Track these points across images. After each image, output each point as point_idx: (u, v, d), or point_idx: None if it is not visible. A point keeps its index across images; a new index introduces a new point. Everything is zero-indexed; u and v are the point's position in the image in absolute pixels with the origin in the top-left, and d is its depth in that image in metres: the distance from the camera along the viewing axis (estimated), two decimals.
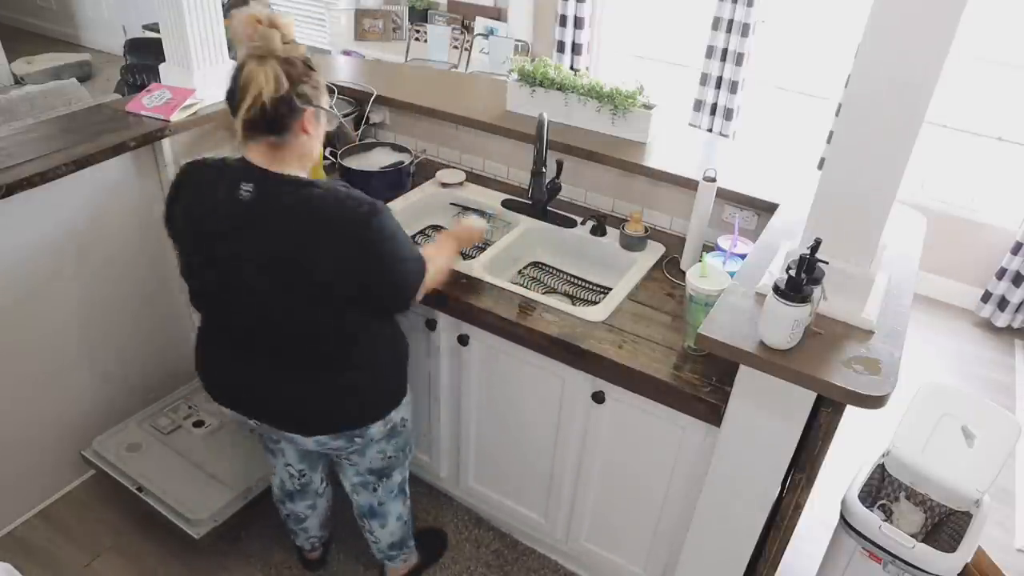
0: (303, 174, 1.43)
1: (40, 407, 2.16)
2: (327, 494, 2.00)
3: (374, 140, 2.47)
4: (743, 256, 1.67)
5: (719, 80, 3.89)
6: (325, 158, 2.28)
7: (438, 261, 1.66)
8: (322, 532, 2.07)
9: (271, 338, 1.47)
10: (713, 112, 3.99)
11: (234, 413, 1.63)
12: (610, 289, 1.96)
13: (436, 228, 2.29)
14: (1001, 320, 3.45)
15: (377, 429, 1.64)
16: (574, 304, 2.00)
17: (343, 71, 2.71)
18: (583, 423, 1.80)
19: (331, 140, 2.39)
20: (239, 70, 1.35)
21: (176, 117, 2.15)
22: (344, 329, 1.48)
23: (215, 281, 1.46)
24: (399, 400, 1.67)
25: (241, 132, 1.36)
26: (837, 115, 3.42)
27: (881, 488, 1.95)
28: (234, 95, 1.36)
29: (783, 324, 1.29)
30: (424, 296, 1.63)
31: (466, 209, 2.28)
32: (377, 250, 1.40)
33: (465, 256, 2.17)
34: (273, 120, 1.35)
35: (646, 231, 2.00)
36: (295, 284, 1.38)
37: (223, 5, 2.23)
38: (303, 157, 1.44)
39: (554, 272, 2.13)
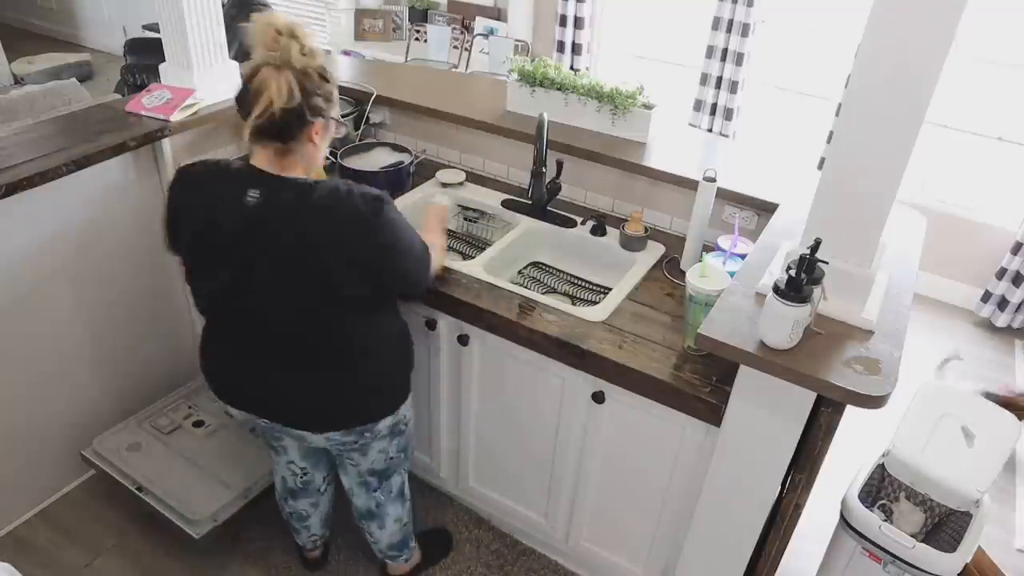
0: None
1: (40, 407, 2.16)
2: (329, 493, 2.00)
3: (374, 140, 2.47)
4: (743, 256, 1.67)
5: (719, 80, 3.89)
6: (325, 158, 2.28)
7: (438, 244, 1.73)
8: (323, 530, 2.07)
9: (282, 338, 1.48)
10: (713, 112, 3.99)
11: (241, 412, 1.63)
12: (610, 289, 1.96)
13: None
14: (1001, 320, 3.45)
15: (384, 425, 1.65)
16: (574, 304, 2.00)
17: (343, 71, 2.71)
18: (583, 423, 1.80)
19: (332, 140, 2.39)
20: (252, 75, 1.36)
21: (176, 117, 2.15)
22: (356, 327, 1.49)
23: (226, 284, 1.45)
24: (405, 396, 1.70)
25: (249, 137, 1.39)
26: (837, 115, 3.42)
27: (881, 488, 1.95)
28: (245, 99, 1.36)
29: (783, 324, 1.29)
30: (424, 294, 1.71)
31: (466, 209, 2.28)
32: (386, 243, 1.42)
33: (465, 256, 2.17)
34: (282, 129, 1.37)
35: (646, 231, 2.00)
36: (308, 284, 1.40)
37: (223, 5, 2.23)
38: (308, 163, 1.46)
39: (554, 272, 2.13)
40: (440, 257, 1.73)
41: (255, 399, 1.60)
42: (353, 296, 1.43)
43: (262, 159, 1.41)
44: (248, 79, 1.36)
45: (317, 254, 1.37)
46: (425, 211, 1.92)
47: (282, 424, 1.61)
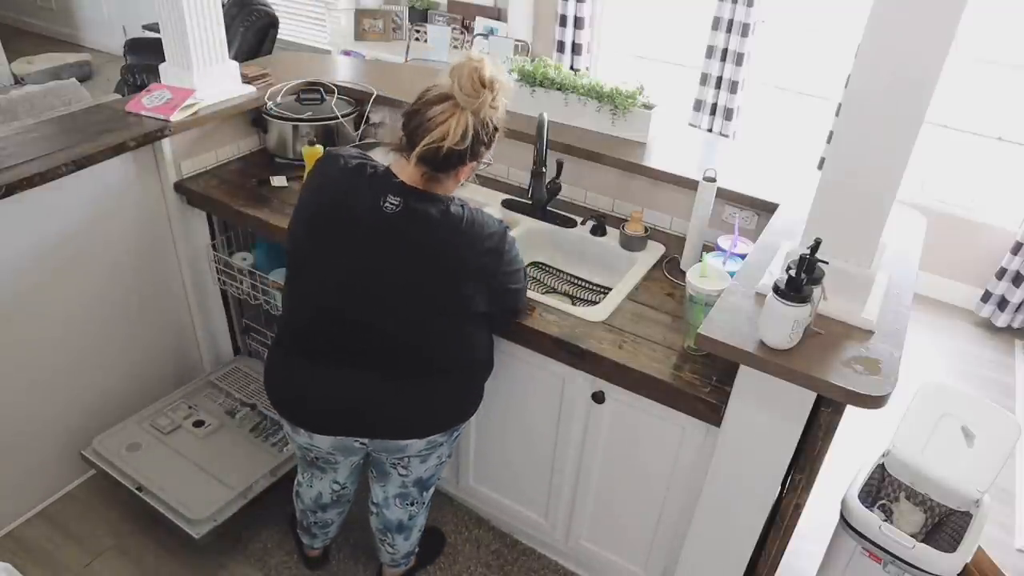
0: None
1: (40, 407, 2.16)
2: (353, 500, 2.00)
3: (374, 140, 2.47)
4: (743, 256, 1.67)
5: (719, 80, 3.89)
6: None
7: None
8: (338, 532, 2.07)
9: (391, 349, 1.49)
10: (713, 112, 3.99)
11: (327, 438, 1.60)
12: (610, 289, 1.96)
13: None
14: (1001, 320, 3.45)
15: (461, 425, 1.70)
16: (574, 304, 2.00)
17: (343, 71, 2.71)
18: (583, 423, 1.80)
19: (331, 140, 2.39)
20: (434, 102, 1.39)
21: (176, 117, 2.15)
22: (470, 338, 1.56)
23: (343, 288, 1.46)
24: (482, 397, 1.73)
25: (407, 157, 1.43)
26: (837, 115, 3.42)
27: (881, 488, 1.95)
28: (415, 120, 1.40)
29: (783, 324, 1.29)
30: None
31: None
32: (510, 268, 1.53)
33: None
34: (443, 162, 1.41)
35: (646, 231, 2.00)
36: (437, 294, 1.45)
37: (223, 5, 2.23)
38: (445, 190, 1.49)
39: (554, 272, 2.13)
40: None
41: (357, 421, 1.57)
42: (474, 311, 1.50)
43: (408, 173, 1.44)
44: (428, 103, 1.39)
45: (452, 265, 1.43)
46: None
47: (386, 438, 1.59)
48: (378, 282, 1.44)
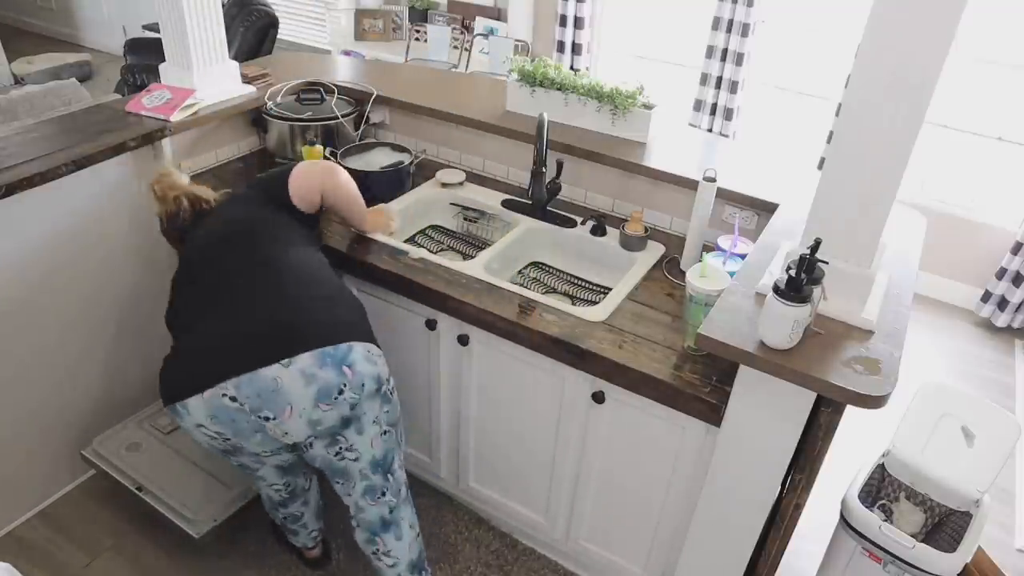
0: None
1: (40, 407, 2.16)
2: (314, 487, 1.99)
3: (374, 140, 2.47)
4: (743, 256, 1.67)
5: (719, 80, 3.89)
6: (325, 158, 2.28)
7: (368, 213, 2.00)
8: (319, 523, 2.06)
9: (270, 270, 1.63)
10: (713, 112, 3.99)
11: (206, 402, 1.47)
12: (610, 289, 1.96)
13: (436, 228, 2.29)
14: (1001, 320, 3.45)
15: (358, 355, 1.54)
16: (574, 304, 2.00)
17: (343, 71, 2.71)
18: (583, 423, 1.80)
19: (331, 140, 2.39)
20: (167, 209, 1.82)
21: (176, 117, 2.15)
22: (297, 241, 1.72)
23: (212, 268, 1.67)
24: (371, 335, 1.63)
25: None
26: (837, 115, 3.42)
27: (881, 488, 1.95)
28: (179, 219, 1.81)
29: (783, 324, 1.29)
30: (423, 295, 1.79)
31: (466, 209, 2.29)
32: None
33: (465, 256, 2.17)
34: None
35: (646, 231, 2.00)
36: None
37: (223, 5, 2.23)
38: None
39: (554, 272, 2.13)
40: (347, 181, 1.88)
41: (214, 359, 1.49)
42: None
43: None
44: (169, 216, 1.81)
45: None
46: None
47: (247, 370, 1.46)
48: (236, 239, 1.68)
